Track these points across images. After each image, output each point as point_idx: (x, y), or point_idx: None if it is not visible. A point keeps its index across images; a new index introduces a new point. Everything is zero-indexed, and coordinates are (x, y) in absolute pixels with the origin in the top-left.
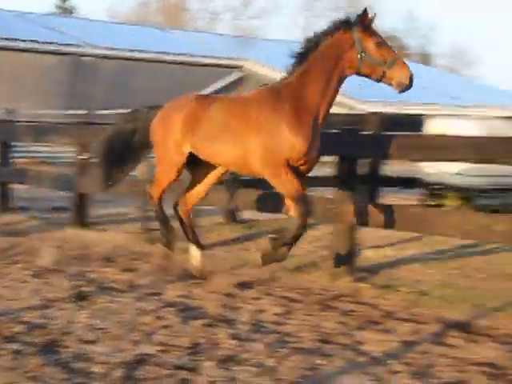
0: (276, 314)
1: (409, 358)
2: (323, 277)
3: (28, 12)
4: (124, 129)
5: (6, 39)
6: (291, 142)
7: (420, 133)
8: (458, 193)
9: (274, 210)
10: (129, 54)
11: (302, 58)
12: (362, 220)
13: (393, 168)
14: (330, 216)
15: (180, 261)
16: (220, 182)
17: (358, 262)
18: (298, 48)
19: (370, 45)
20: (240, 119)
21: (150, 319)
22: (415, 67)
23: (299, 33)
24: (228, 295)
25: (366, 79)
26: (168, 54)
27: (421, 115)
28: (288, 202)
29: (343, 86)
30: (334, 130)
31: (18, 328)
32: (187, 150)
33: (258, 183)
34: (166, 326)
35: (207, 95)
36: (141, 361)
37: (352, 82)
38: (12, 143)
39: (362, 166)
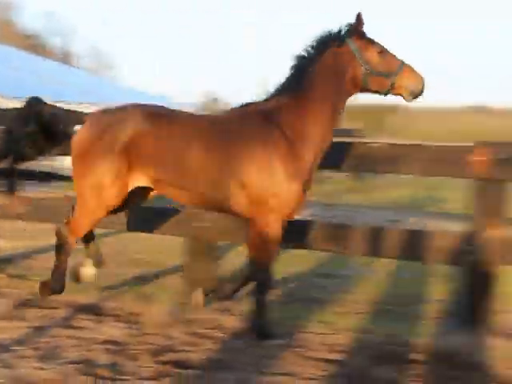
0: None
1: (38, 342)
2: None
3: None
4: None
5: None
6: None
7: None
8: None
9: None
10: None
11: (294, 79)
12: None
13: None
14: None
15: None
16: None
17: None
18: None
19: (373, 55)
20: (232, 153)
21: None
22: (57, 67)
23: None
24: None
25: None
26: None
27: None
28: None
29: None
30: None
31: None
32: (137, 182)
33: None
34: None
35: (155, 108)
36: None
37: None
38: None
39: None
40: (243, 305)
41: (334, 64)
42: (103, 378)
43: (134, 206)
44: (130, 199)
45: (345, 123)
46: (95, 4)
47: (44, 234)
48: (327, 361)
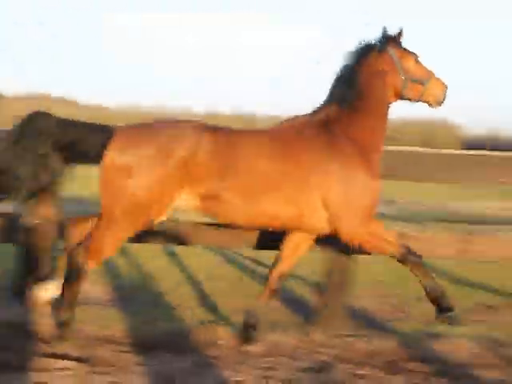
0: None
1: None
2: None
3: None
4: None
5: None
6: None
7: None
8: None
9: None
10: None
11: (343, 89)
12: None
13: None
14: None
15: None
16: None
17: None
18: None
19: (410, 64)
20: (303, 166)
21: None
22: None
23: None
24: None
25: None
26: None
27: None
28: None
29: None
30: None
31: None
32: (181, 199)
33: None
34: None
35: (209, 124)
36: None
37: None
38: None
39: None
40: None
41: (376, 71)
42: None
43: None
44: None
45: None
46: None
47: None
48: None
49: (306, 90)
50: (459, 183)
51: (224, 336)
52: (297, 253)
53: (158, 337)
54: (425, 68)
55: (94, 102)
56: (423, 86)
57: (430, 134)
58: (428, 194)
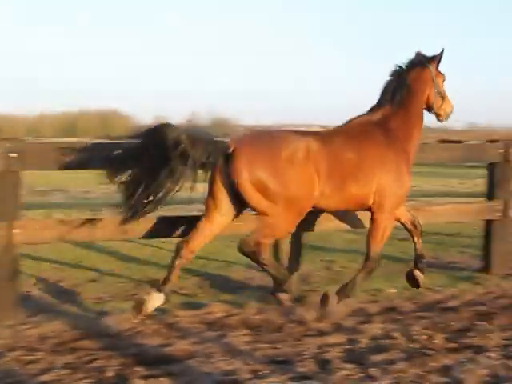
0: None
1: None
2: None
3: None
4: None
5: None
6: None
7: None
8: None
9: None
10: None
11: (393, 93)
12: None
13: None
14: None
15: None
16: None
17: None
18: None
19: (441, 81)
20: (362, 159)
21: None
22: None
23: None
24: None
25: None
26: None
27: None
28: None
29: None
30: None
31: None
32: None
33: None
34: None
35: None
36: None
37: None
38: None
39: None
40: None
41: (419, 81)
42: None
43: None
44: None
45: None
46: None
47: None
48: None
49: None
50: None
51: None
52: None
53: None
54: (445, 88)
55: None
56: (442, 101)
57: (109, 125)
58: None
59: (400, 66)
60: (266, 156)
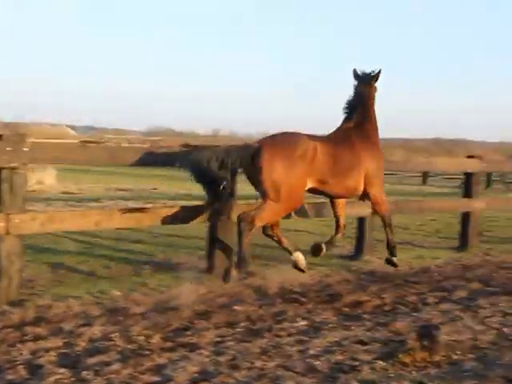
0: None
1: None
2: None
3: None
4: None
5: None
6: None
7: None
8: None
9: None
10: None
11: (359, 105)
12: None
13: None
14: None
15: None
16: None
17: None
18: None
19: (375, 95)
20: (353, 157)
21: None
22: None
23: None
24: None
25: None
26: None
27: None
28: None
29: None
30: None
31: None
32: (309, 185)
33: None
34: None
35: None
36: None
37: None
38: None
39: None
40: None
41: (372, 96)
42: None
43: None
44: None
45: None
46: None
47: None
48: None
49: None
50: None
51: None
52: (343, 210)
53: None
54: None
55: None
56: None
57: None
58: None
59: (358, 84)
60: (284, 152)
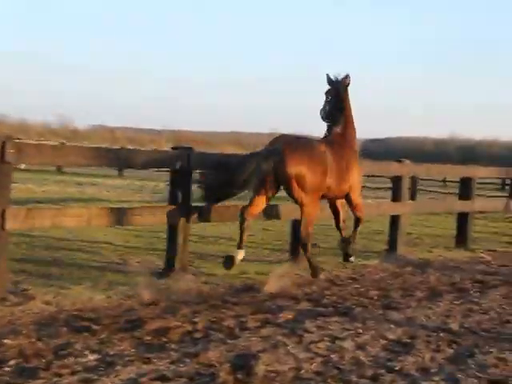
0: None
1: None
2: None
3: None
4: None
5: None
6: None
7: None
8: None
9: None
10: None
11: (339, 114)
12: None
13: None
14: None
15: None
16: None
17: None
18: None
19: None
20: (346, 162)
21: None
22: None
23: None
24: None
25: None
26: None
27: None
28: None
29: None
30: None
31: None
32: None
33: None
34: None
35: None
36: None
37: None
38: None
39: None
40: None
41: (348, 100)
42: None
43: None
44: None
45: None
46: None
47: None
48: None
49: None
50: None
51: None
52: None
53: None
54: None
55: None
56: None
57: None
58: None
59: (335, 90)
60: (306, 157)
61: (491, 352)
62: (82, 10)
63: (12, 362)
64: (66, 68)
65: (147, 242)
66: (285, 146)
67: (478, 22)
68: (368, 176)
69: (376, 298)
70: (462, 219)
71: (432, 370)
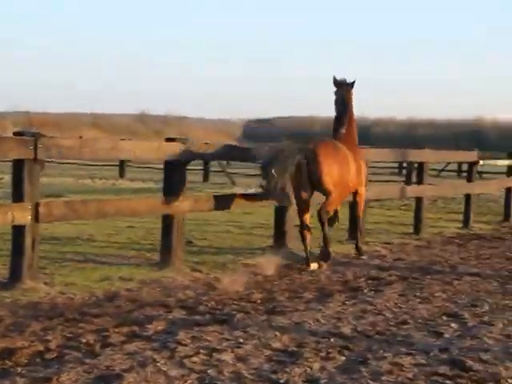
0: None
1: None
2: None
3: None
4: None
5: None
6: None
7: None
8: None
9: None
10: None
11: (344, 113)
12: None
13: None
14: None
15: None
16: None
17: None
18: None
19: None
20: (355, 162)
21: None
22: None
23: None
24: None
25: None
26: None
27: None
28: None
29: None
30: None
31: None
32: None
33: None
34: None
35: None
36: None
37: None
38: None
39: None
40: None
41: (352, 101)
42: None
43: None
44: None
45: None
46: None
47: None
48: None
49: None
50: None
51: None
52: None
53: None
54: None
55: None
56: None
57: None
58: None
59: (342, 91)
60: (335, 156)
61: (386, 357)
62: None
63: None
64: None
65: None
66: (317, 145)
67: None
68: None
69: (260, 301)
70: (354, 209)
71: (321, 382)
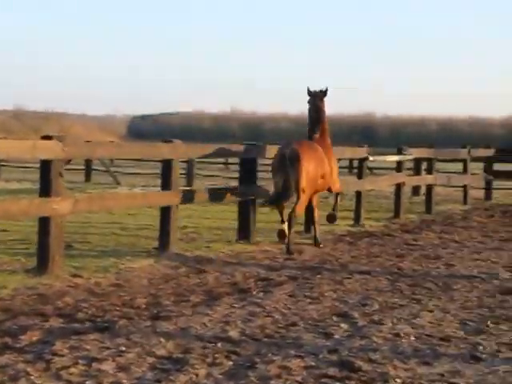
0: None
1: None
2: None
3: None
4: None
5: None
6: None
7: None
8: None
9: None
10: None
11: (318, 119)
12: None
13: None
14: None
15: None
16: None
17: None
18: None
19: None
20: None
21: None
22: None
23: None
24: None
25: None
26: None
27: None
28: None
29: None
30: None
31: None
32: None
33: None
34: None
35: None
36: None
37: None
38: None
39: None
40: None
41: (324, 109)
42: None
43: None
44: None
45: None
46: None
47: None
48: None
49: None
50: None
51: None
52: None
53: None
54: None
55: None
56: None
57: None
58: None
59: (315, 98)
60: (313, 156)
61: (274, 361)
62: None
63: None
64: None
65: None
66: (297, 146)
67: None
68: (137, 160)
69: (144, 307)
70: (245, 209)
71: None
